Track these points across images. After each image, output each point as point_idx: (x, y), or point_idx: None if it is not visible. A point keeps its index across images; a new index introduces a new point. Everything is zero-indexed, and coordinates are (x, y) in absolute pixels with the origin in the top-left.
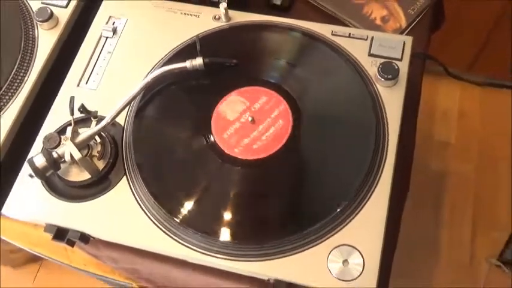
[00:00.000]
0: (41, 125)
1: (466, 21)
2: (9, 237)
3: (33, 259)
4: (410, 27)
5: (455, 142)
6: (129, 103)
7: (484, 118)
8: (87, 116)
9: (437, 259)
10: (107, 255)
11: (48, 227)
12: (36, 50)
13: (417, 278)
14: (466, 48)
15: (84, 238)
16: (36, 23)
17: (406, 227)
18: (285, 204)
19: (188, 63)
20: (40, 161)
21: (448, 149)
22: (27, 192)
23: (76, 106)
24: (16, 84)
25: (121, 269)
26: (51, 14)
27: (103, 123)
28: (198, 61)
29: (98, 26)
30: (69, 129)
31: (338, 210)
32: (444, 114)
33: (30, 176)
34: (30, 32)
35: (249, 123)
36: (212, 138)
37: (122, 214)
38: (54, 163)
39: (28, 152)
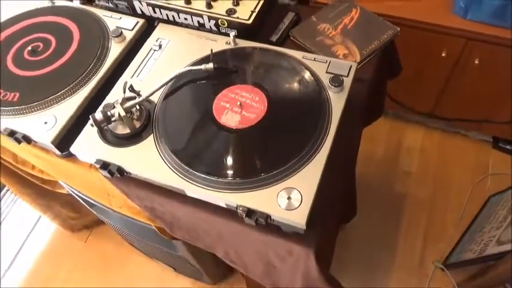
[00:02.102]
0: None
1: (424, 74)
2: (71, 184)
3: (86, 226)
4: (363, 63)
5: (416, 171)
6: (161, 87)
7: (440, 154)
8: (133, 96)
9: (392, 262)
10: (135, 193)
11: (98, 161)
12: (108, 54)
13: (375, 276)
14: (427, 96)
15: (120, 171)
16: (111, 38)
17: (370, 235)
18: (254, 156)
19: (203, 66)
20: (99, 116)
21: (409, 177)
22: (88, 138)
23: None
24: (93, 72)
25: (143, 207)
26: (121, 33)
27: (142, 97)
28: (209, 65)
29: (150, 43)
30: (120, 98)
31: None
32: (408, 150)
33: (91, 125)
34: (106, 43)
35: (238, 106)
36: (213, 114)
37: (147, 158)
38: (107, 118)
39: None
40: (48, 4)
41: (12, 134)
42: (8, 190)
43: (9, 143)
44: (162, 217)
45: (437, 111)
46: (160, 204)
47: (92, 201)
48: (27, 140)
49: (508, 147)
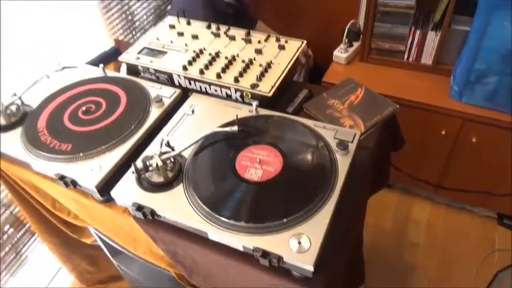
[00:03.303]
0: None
1: (427, 149)
2: (103, 229)
3: (101, 281)
4: (366, 133)
5: (423, 243)
6: (192, 145)
7: (447, 228)
8: (169, 150)
9: None
10: (161, 237)
11: (134, 204)
12: (149, 116)
13: None
14: (431, 169)
15: (152, 214)
16: (152, 103)
17: None
18: (271, 205)
19: (229, 129)
20: (139, 164)
21: (417, 248)
22: (127, 184)
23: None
24: (135, 130)
25: (166, 251)
26: (161, 99)
27: (176, 151)
28: (234, 128)
29: (184, 108)
30: (158, 151)
31: (291, 217)
32: (416, 222)
33: (132, 172)
34: (148, 107)
35: (257, 162)
36: (236, 168)
37: (177, 203)
38: (146, 167)
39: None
40: (101, 74)
41: (62, 178)
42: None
43: (52, 189)
44: (183, 262)
45: (441, 183)
46: (183, 248)
47: (118, 248)
48: (74, 184)
49: None
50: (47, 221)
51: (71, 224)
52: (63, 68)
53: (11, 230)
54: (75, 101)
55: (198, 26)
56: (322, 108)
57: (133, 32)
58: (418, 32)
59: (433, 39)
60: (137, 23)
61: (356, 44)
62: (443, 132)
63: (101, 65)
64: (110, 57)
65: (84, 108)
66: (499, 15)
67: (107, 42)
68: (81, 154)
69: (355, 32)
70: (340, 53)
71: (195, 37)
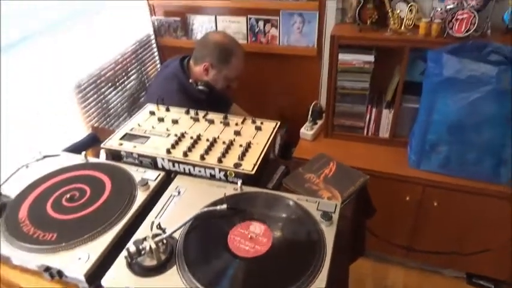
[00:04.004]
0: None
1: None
2: None
3: None
4: (344, 203)
5: None
6: (182, 226)
7: None
8: (160, 233)
9: None
10: None
11: None
12: (135, 200)
13: None
14: (401, 233)
15: None
16: (137, 187)
17: None
18: (268, 282)
19: (218, 207)
20: (132, 248)
21: None
22: (118, 271)
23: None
24: (121, 215)
25: None
26: (146, 182)
27: (168, 233)
28: (223, 206)
29: (170, 190)
30: (151, 234)
31: None
32: (392, 287)
33: (125, 257)
34: (133, 191)
35: (248, 239)
36: (228, 246)
37: (172, 285)
38: (139, 251)
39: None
40: (83, 161)
41: (47, 269)
42: None
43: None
44: None
45: (412, 247)
46: None
47: None
48: (60, 274)
49: (481, 282)
50: None
51: None
52: (44, 156)
53: None
54: (57, 188)
55: (177, 112)
56: (301, 183)
57: (108, 119)
58: (374, 110)
59: (387, 116)
60: (112, 110)
61: (320, 122)
62: (407, 199)
63: (83, 152)
64: (88, 144)
65: (67, 195)
66: (441, 95)
67: (82, 129)
68: (64, 244)
69: (318, 112)
70: (307, 131)
71: (175, 122)
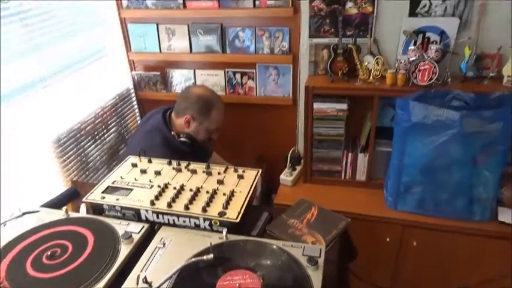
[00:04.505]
0: None
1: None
2: None
3: None
4: (328, 246)
5: None
6: (168, 279)
7: None
8: (146, 287)
9: None
10: None
11: None
12: (119, 254)
13: None
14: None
15: None
16: (121, 240)
17: None
18: None
19: (204, 257)
20: None
21: None
22: None
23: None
24: (105, 270)
25: None
26: (130, 235)
27: (154, 287)
28: (210, 256)
29: (155, 242)
30: None
31: None
32: None
33: None
34: (117, 245)
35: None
36: None
37: None
38: None
39: None
40: (63, 216)
41: None
42: None
43: None
44: None
45: (394, 287)
46: None
47: None
48: None
49: None
50: None
51: None
52: (23, 213)
53: None
54: (38, 246)
55: (159, 163)
56: (284, 229)
57: (87, 173)
58: (350, 154)
59: (363, 159)
60: (91, 164)
61: (299, 168)
62: (387, 240)
63: (64, 207)
64: (67, 199)
65: (48, 252)
66: (411, 139)
67: (61, 183)
68: None
69: (296, 158)
70: (286, 177)
71: (158, 173)
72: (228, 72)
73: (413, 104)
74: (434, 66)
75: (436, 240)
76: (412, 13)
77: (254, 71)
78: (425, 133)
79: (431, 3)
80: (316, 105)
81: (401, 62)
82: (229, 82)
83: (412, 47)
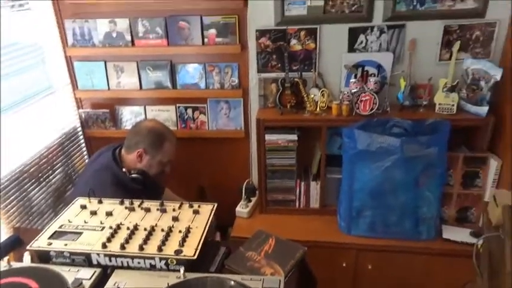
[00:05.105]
0: None
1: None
2: None
3: None
4: (287, 277)
5: None
6: None
7: None
8: None
9: None
10: None
11: None
12: None
13: None
14: None
15: None
16: None
17: None
18: None
19: None
20: None
21: None
22: None
23: None
24: None
25: None
26: (81, 283)
27: None
28: None
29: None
30: None
31: None
32: None
33: None
34: None
35: None
36: None
37: None
38: None
39: None
40: (5, 267)
41: None
42: None
43: None
44: None
45: None
46: None
47: None
48: None
49: None
50: None
51: None
52: None
53: None
54: None
55: (110, 203)
56: (243, 262)
57: (31, 218)
58: (302, 183)
59: (315, 187)
60: (35, 208)
61: (254, 199)
62: (344, 265)
63: (6, 258)
64: (9, 247)
65: None
66: (359, 165)
67: (2, 231)
68: None
69: (251, 189)
70: (242, 209)
71: (109, 214)
72: (179, 107)
73: (358, 133)
74: (374, 97)
75: (389, 261)
76: (351, 49)
77: (205, 105)
78: (371, 159)
79: (367, 40)
80: (268, 137)
81: (344, 94)
82: (181, 117)
83: (353, 80)
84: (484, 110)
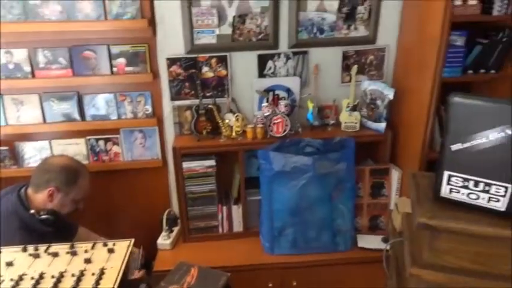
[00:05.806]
0: None
1: None
2: None
3: None
4: None
5: None
6: None
7: None
8: None
9: None
10: None
11: None
12: None
13: None
14: None
15: None
16: None
17: None
18: None
19: None
20: None
21: None
22: None
23: None
24: None
25: None
26: None
27: None
28: None
29: None
30: None
31: None
32: None
33: None
34: None
35: None
36: None
37: None
38: None
39: None
40: None
41: None
42: None
43: None
44: None
45: None
46: None
47: None
48: None
49: None
50: None
51: None
52: None
53: None
54: None
55: (11, 252)
56: None
57: None
58: (224, 208)
59: (237, 211)
60: None
61: (176, 229)
62: (270, 285)
63: None
64: None
65: None
66: (276, 185)
67: None
68: None
69: (172, 219)
70: (164, 240)
71: (9, 264)
72: (89, 139)
73: (273, 154)
74: (286, 119)
75: (312, 276)
76: (261, 74)
77: (118, 136)
78: (287, 179)
79: (275, 66)
80: (186, 165)
81: (258, 117)
82: (92, 150)
83: (265, 104)
84: (382, 126)
